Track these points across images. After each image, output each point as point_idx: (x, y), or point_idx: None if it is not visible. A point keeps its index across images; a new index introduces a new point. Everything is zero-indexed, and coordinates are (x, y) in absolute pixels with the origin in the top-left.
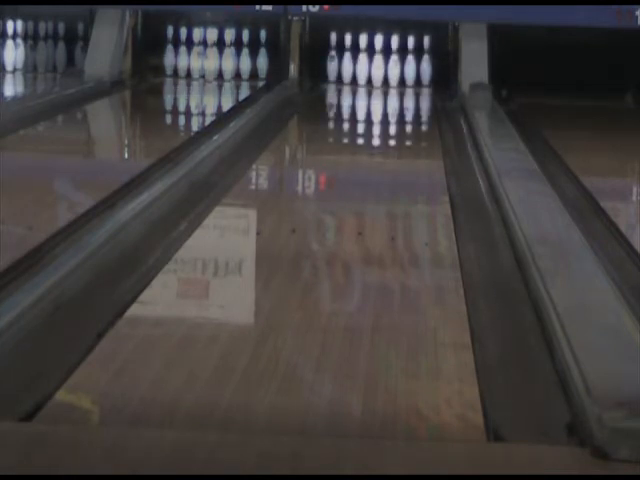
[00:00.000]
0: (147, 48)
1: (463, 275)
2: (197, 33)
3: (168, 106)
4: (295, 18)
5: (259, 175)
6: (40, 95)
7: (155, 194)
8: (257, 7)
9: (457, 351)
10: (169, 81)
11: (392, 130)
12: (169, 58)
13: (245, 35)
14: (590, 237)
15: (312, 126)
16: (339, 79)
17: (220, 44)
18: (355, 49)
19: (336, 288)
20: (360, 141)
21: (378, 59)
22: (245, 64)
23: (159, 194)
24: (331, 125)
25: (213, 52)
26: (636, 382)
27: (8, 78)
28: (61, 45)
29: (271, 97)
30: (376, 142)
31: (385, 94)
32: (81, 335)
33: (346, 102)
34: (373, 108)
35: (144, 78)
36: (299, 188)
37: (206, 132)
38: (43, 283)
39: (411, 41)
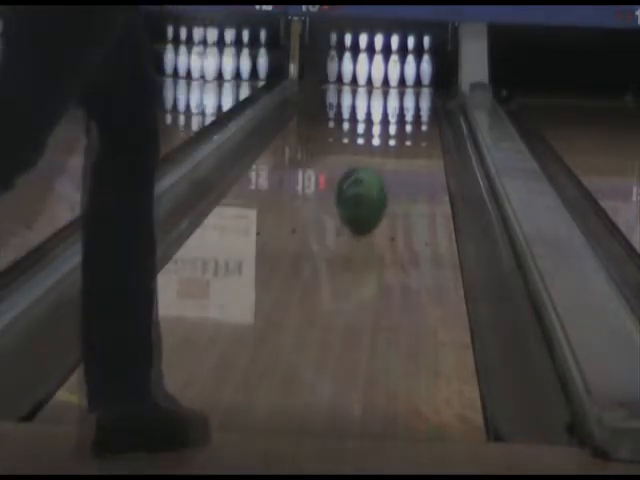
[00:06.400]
0: None
1: (463, 275)
2: (197, 33)
3: (168, 106)
4: (295, 18)
5: (259, 175)
6: None
7: (155, 194)
8: (257, 7)
9: (457, 351)
10: (169, 81)
11: (392, 130)
12: (169, 58)
13: (245, 35)
14: (590, 237)
15: (312, 126)
16: (339, 79)
17: (220, 44)
18: (355, 49)
19: (336, 288)
20: (360, 141)
21: (378, 59)
22: (245, 64)
23: (159, 194)
24: (331, 125)
25: (213, 52)
26: (636, 382)
27: None
28: None
29: (271, 97)
30: (376, 142)
31: (385, 94)
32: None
33: (346, 102)
34: (373, 108)
35: None
36: (299, 188)
37: (206, 132)
38: (43, 283)
39: (411, 41)
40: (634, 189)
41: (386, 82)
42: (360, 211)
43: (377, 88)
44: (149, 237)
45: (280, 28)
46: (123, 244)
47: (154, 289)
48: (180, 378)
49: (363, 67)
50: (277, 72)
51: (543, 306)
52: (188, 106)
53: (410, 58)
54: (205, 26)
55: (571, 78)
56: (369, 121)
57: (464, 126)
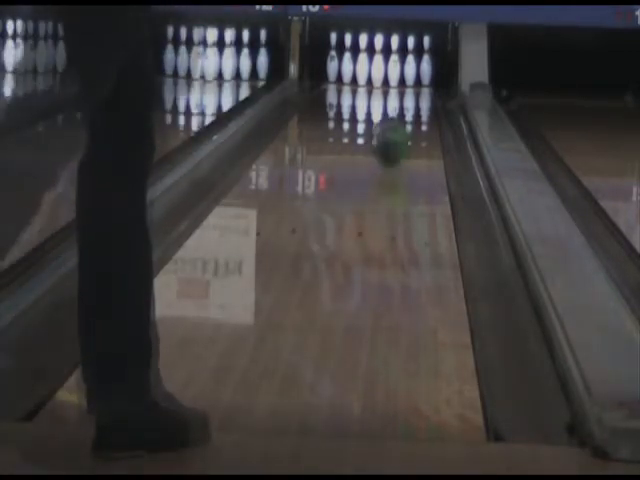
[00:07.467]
0: None
1: (463, 275)
2: (197, 33)
3: (168, 106)
4: (295, 18)
5: (259, 175)
6: (40, 95)
7: (155, 194)
8: (257, 7)
9: (457, 351)
10: (169, 81)
11: None
12: (169, 58)
13: (245, 35)
14: (590, 237)
15: (312, 126)
16: (339, 79)
17: (220, 44)
18: (355, 49)
19: (336, 288)
20: (360, 141)
21: (378, 59)
22: (245, 64)
23: (160, 193)
24: (331, 125)
25: (213, 52)
26: (636, 382)
27: (8, 78)
28: (61, 45)
29: (271, 97)
30: (376, 142)
31: (385, 94)
32: None
33: (346, 102)
34: (373, 108)
35: None
36: (299, 188)
37: (206, 132)
38: (43, 283)
39: (411, 41)
40: (634, 189)
41: (386, 82)
42: (392, 152)
43: (377, 88)
44: (145, 237)
45: (280, 28)
46: (119, 244)
47: (151, 289)
48: (180, 378)
49: (363, 67)
50: (277, 72)
51: (543, 306)
52: (188, 106)
53: (410, 58)
54: (205, 26)
55: (571, 78)
56: (369, 121)
57: (464, 126)
